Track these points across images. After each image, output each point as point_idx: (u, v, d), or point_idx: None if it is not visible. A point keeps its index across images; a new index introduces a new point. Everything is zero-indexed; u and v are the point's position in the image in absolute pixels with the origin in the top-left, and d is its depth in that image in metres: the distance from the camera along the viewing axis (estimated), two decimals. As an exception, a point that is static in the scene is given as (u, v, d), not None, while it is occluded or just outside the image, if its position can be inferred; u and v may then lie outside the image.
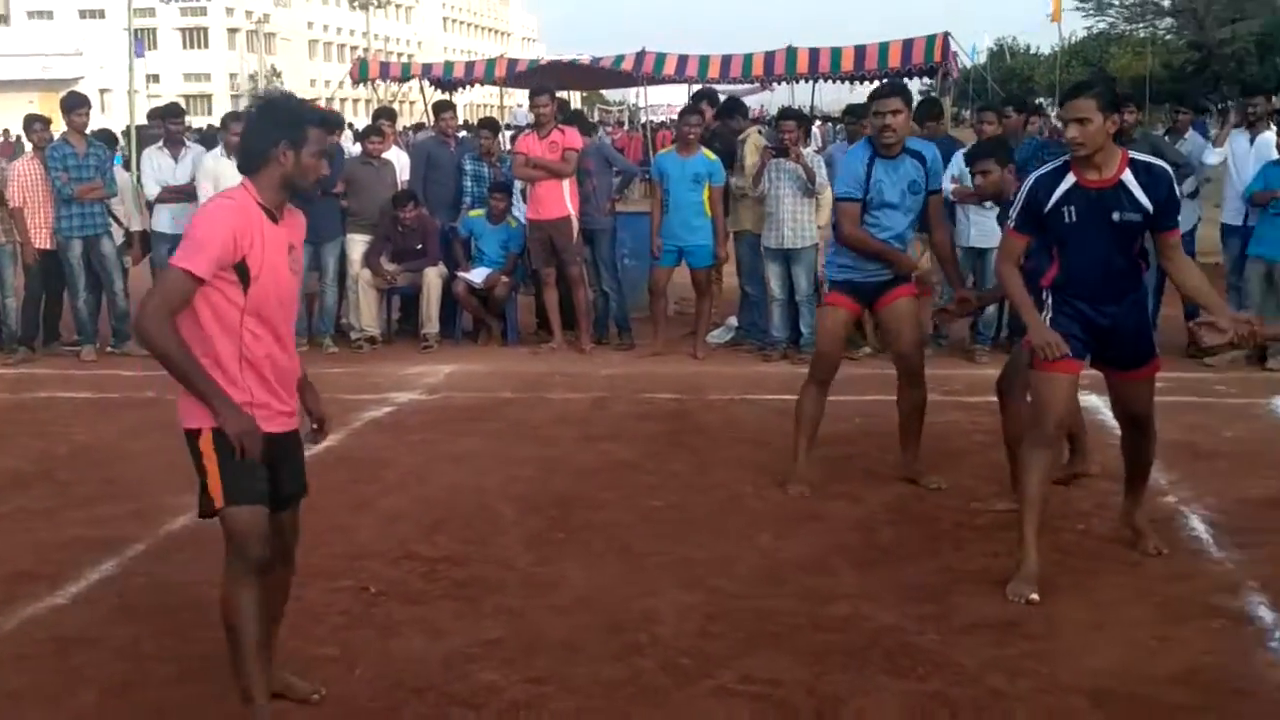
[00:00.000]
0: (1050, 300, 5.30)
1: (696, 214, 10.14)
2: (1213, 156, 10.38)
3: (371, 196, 11.08)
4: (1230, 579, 5.32)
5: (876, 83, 16.10)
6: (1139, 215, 5.11)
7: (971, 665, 4.54)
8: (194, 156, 11.05)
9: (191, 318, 3.77)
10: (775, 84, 20.25)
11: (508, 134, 13.47)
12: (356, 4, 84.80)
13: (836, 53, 16.25)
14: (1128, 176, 5.11)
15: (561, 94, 13.98)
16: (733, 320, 11.19)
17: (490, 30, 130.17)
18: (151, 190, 11.13)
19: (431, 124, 14.50)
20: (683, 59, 16.78)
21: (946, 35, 15.28)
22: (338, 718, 4.29)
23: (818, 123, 22.48)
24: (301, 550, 5.92)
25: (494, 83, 18.07)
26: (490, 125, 12.72)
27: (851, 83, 17.28)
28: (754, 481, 6.79)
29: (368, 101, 37.96)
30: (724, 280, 11.57)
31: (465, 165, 11.71)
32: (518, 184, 11.19)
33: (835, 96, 26.62)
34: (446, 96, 16.43)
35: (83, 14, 79.41)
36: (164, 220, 11.01)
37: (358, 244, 11.08)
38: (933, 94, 15.28)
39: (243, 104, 53.21)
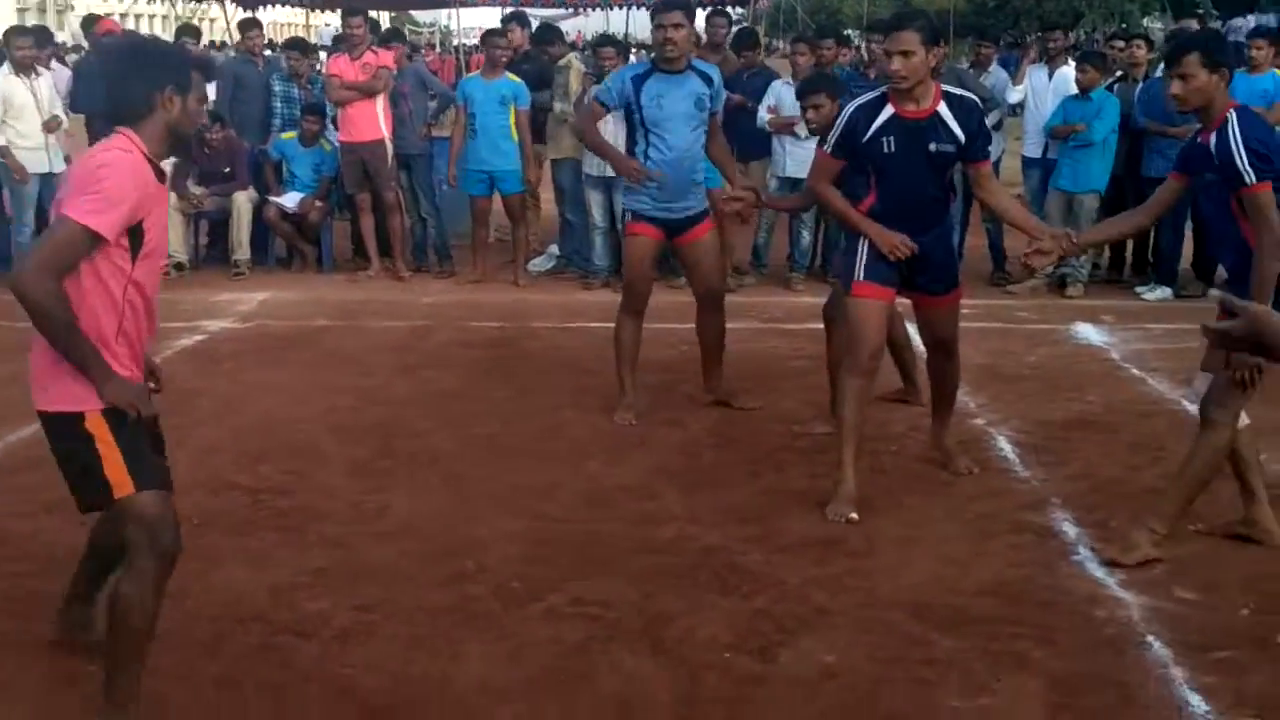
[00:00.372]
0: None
1: (504, 137, 10.03)
2: (1014, 95, 10.71)
3: (176, 117, 10.68)
4: (1036, 496, 5.57)
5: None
6: (953, 146, 5.25)
7: (795, 582, 4.69)
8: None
9: (72, 284, 3.31)
10: (589, 10, 20.14)
11: (323, 55, 13.12)
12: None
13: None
14: (942, 108, 5.23)
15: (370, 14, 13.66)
16: (554, 248, 11.17)
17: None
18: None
19: (234, 43, 14.01)
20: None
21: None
22: (167, 650, 4.19)
23: (635, 50, 22.44)
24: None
25: (299, 4, 17.52)
26: (299, 45, 12.33)
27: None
28: (578, 407, 6.84)
29: (164, 18, 36.48)
30: (544, 208, 11.55)
31: (274, 86, 11.37)
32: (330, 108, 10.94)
33: (648, 23, 26.59)
34: (250, 14, 15.91)
35: None
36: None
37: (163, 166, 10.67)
38: (745, 24, 15.36)
39: (30, 19, 50.59)
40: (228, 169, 10.82)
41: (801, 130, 9.74)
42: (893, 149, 5.24)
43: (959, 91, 5.41)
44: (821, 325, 6.54)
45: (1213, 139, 4.61)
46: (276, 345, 8.35)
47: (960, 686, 3.94)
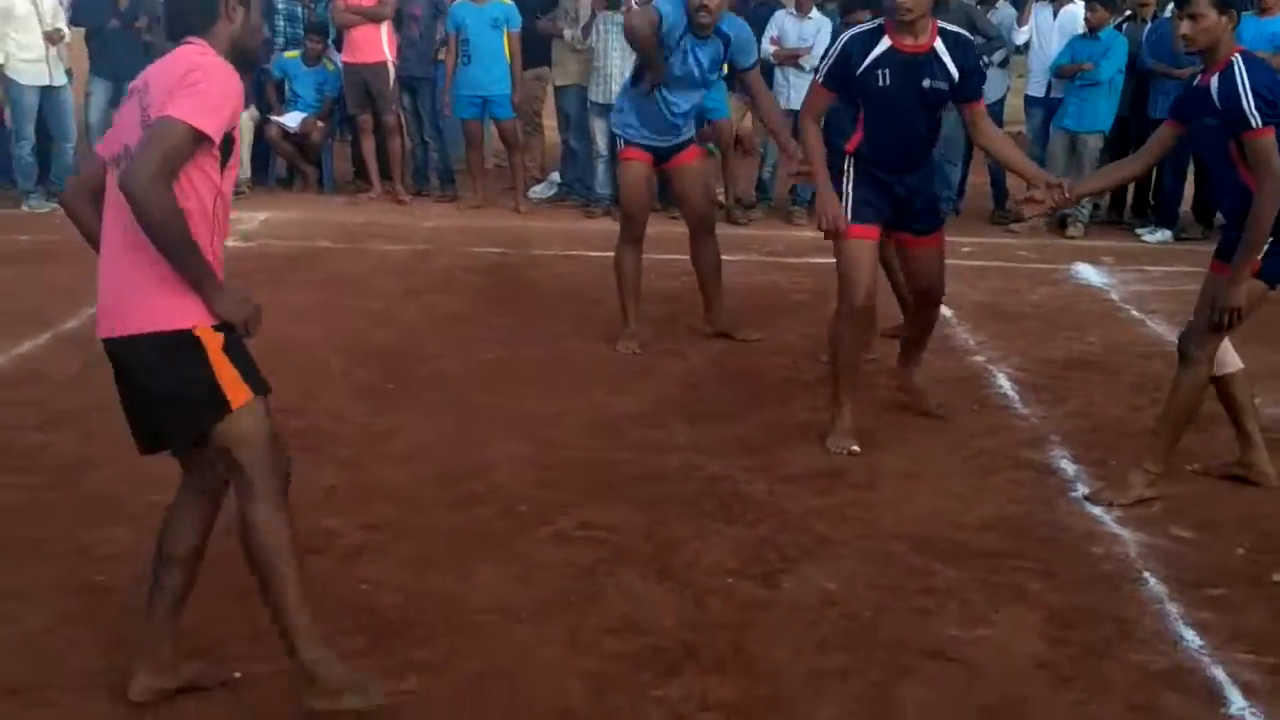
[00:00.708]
0: (851, 168, 5.30)
1: (497, 60, 10.04)
2: (1020, 37, 10.63)
3: (177, 33, 10.60)
4: (1035, 433, 5.64)
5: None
6: (946, 84, 5.15)
7: (798, 512, 4.76)
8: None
9: (190, 204, 3.08)
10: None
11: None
12: None
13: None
14: (939, 44, 5.13)
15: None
16: (555, 175, 11.17)
17: None
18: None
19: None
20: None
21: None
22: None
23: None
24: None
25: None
26: (303, -37, 12.24)
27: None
28: (581, 336, 6.89)
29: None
30: (548, 135, 11.52)
31: (277, 4, 11.29)
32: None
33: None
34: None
35: None
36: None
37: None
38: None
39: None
40: (230, 87, 10.74)
41: (806, 62, 9.76)
42: (887, 82, 5.12)
43: (955, 29, 5.29)
44: (821, 260, 6.57)
45: (1214, 82, 4.57)
46: (279, 265, 8.37)
47: (960, 616, 4.02)
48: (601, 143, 9.95)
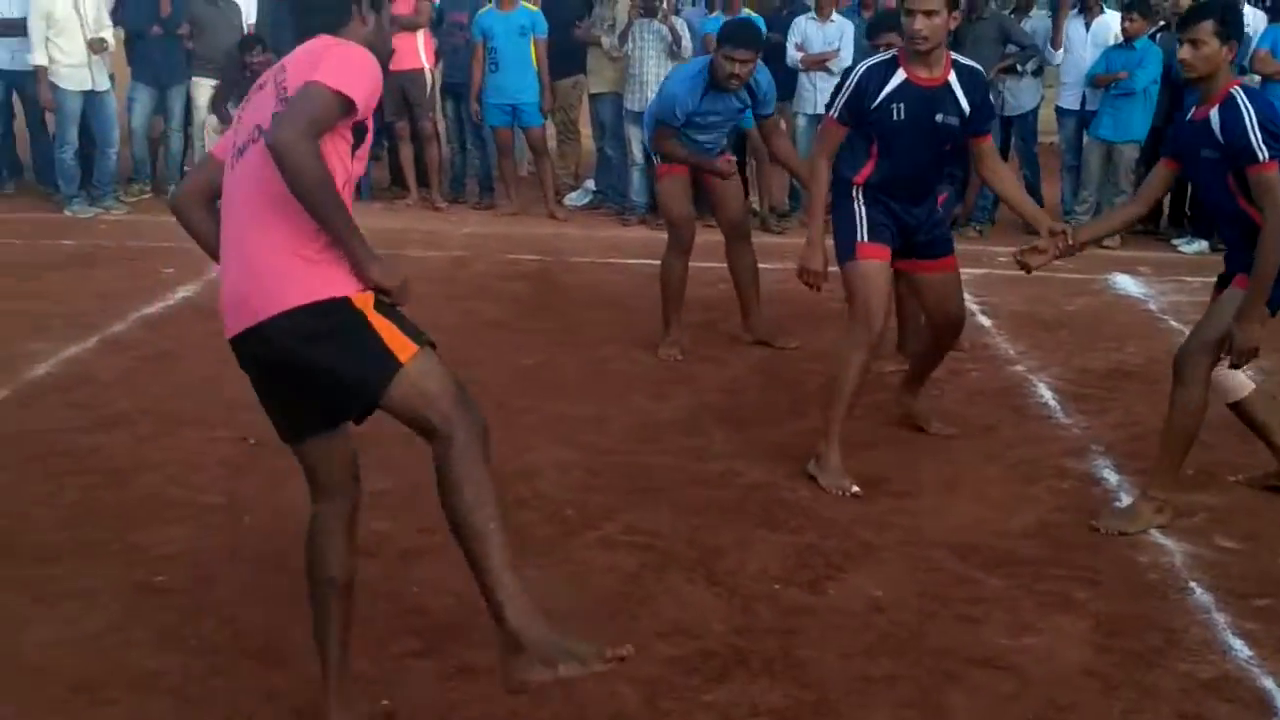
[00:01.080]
0: (861, 196, 5.16)
1: (526, 67, 10.10)
2: (1055, 58, 10.52)
3: (217, 39, 10.65)
4: (1077, 443, 5.66)
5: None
6: (958, 119, 5.03)
7: (842, 519, 4.80)
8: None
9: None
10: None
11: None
12: None
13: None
14: (953, 78, 5.00)
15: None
16: (590, 183, 11.22)
17: None
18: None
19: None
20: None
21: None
22: (229, 561, 4.34)
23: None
24: (171, 398, 5.97)
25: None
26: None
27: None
28: (620, 342, 6.94)
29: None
30: (584, 142, 11.57)
31: (316, 10, 11.36)
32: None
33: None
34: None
35: None
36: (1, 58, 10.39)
37: (204, 88, 10.68)
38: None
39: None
40: (268, 93, 10.82)
41: (835, 65, 9.78)
42: (901, 116, 4.97)
43: (968, 62, 5.16)
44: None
45: (1214, 114, 4.48)
46: (319, 271, 8.42)
47: (1006, 624, 4.04)
48: (637, 151, 9.98)
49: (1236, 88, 4.50)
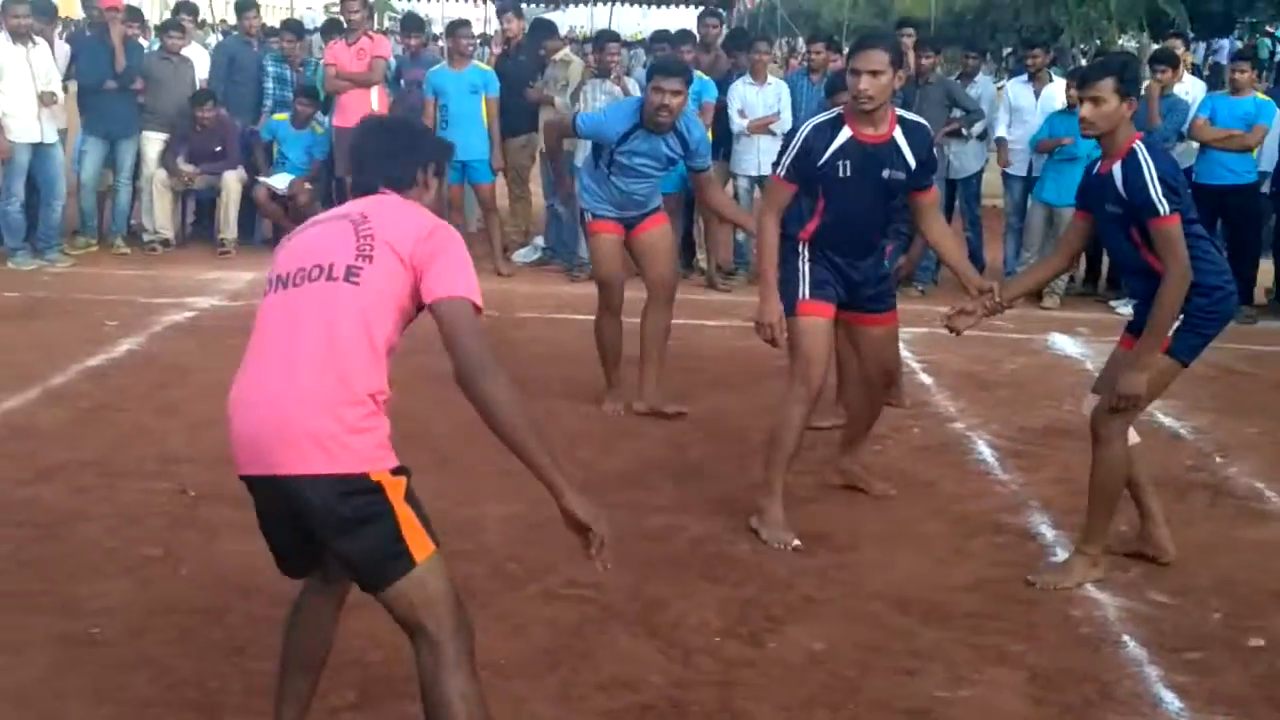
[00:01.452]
0: (805, 251, 5.22)
1: (476, 125, 10.19)
2: (1002, 129, 10.65)
3: (169, 94, 10.74)
4: (1014, 499, 5.72)
5: (674, 7, 16.43)
6: (904, 173, 5.08)
7: (783, 573, 4.82)
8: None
9: (375, 345, 2.96)
10: (576, 3, 20.27)
11: (316, 39, 13.12)
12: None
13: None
14: (898, 133, 5.05)
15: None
16: (539, 240, 11.26)
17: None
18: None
19: (232, 23, 14.05)
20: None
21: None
22: (165, 613, 4.30)
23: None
24: (110, 450, 5.92)
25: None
26: (293, 28, 12.44)
27: (650, 4, 17.41)
28: (568, 397, 6.94)
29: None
30: (534, 201, 11.62)
31: (267, 67, 11.43)
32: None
33: (627, 18, 26.74)
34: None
35: None
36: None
37: (154, 142, 10.74)
38: (738, 25, 15.46)
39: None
40: (218, 148, 10.85)
41: (777, 127, 9.91)
42: (848, 173, 5.02)
43: (913, 117, 5.25)
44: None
45: (1116, 170, 4.54)
46: (266, 325, 8.40)
47: (943, 677, 4.07)
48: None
49: (1138, 143, 4.56)
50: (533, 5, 18.98)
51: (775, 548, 5.03)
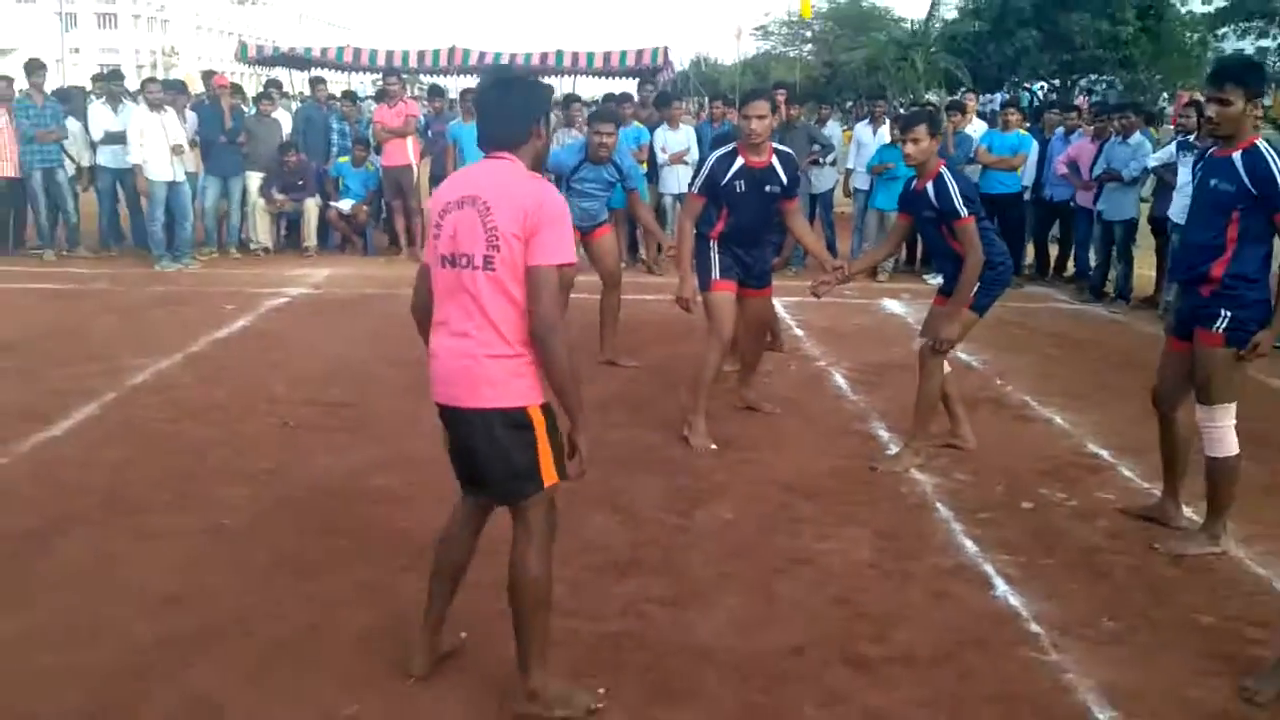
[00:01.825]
0: (715, 246, 5.19)
1: None
2: (851, 161, 10.60)
3: (264, 145, 10.48)
4: (861, 412, 5.73)
5: (620, 79, 16.25)
6: (779, 188, 5.07)
7: (704, 467, 4.81)
8: (127, 110, 10.18)
9: (518, 302, 2.67)
10: (550, 75, 19.95)
11: (369, 103, 12.88)
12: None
13: (591, 56, 16.16)
14: (774, 160, 5.05)
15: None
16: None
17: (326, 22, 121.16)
18: (97, 134, 10.21)
19: (308, 94, 13.72)
20: (482, 54, 16.41)
21: (667, 48, 15.79)
22: (275, 509, 4.23)
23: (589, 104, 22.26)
24: (232, 395, 5.81)
25: (340, 68, 17.09)
26: (350, 97, 12.13)
27: (602, 76, 17.17)
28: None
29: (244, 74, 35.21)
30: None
31: (333, 124, 11.21)
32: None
33: (586, 86, 26.47)
34: (318, 74, 15.52)
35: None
36: (105, 157, 10.18)
37: (254, 179, 10.50)
38: (663, 89, 15.26)
39: (145, 72, 48.58)
40: (301, 182, 10.62)
41: (688, 158, 9.91)
42: (743, 189, 5.02)
43: (784, 149, 5.22)
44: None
45: (929, 187, 4.58)
46: (340, 307, 8.28)
47: (815, 535, 4.10)
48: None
49: (943, 168, 4.59)
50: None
51: (699, 450, 5.04)
